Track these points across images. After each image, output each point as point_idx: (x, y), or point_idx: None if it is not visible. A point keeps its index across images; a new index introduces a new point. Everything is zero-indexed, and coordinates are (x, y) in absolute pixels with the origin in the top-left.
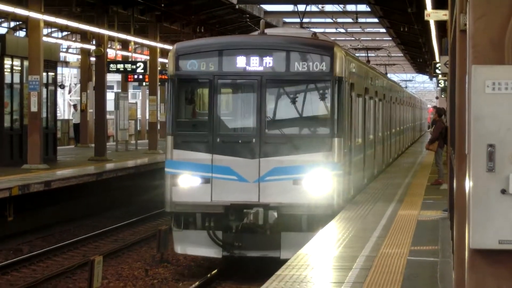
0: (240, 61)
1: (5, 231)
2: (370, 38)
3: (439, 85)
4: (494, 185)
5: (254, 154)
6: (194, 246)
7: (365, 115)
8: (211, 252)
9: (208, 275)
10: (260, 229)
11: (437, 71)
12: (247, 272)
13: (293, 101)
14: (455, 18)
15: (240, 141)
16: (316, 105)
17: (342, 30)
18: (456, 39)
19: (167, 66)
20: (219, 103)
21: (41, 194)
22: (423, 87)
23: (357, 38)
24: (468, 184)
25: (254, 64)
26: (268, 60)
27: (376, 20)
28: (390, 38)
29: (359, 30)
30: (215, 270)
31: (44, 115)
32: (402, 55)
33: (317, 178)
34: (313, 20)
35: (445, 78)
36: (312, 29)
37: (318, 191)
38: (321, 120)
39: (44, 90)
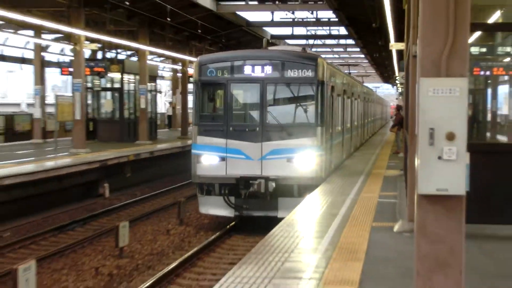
0: (247, 69)
1: (125, 183)
2: (354, 61)
3: (398, 90)
4: (433, 154)
5: (258, 139)
6: (214, 208)
7: (343, 110)
8: (226, 212)
9: (228, 227)
10: (262, 195)
11: (397, 81)
12: (254, 226)
13: (287, 99)
14: (409, 47)
15: (247, 129)
16: (304, 102)
17: (337, 56)
18: (409, 61)
19: (193, 73)
20: (231, 101)
21: (147, 159)
22: (388, 92)
23: (346, 61)
24: (417, 153)
25: (257, 71)
26: (268, 68)
27: (358, 49)
28: (367, 61)
29: (347, 56)
30: (232, 223)
31: (149, 110)
32: (374, 71)
33: (305, 157)
34: (319, 49)
35: (402, 86)
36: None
37: (305, 167)
38: (308, 113)
39: (149, 94)
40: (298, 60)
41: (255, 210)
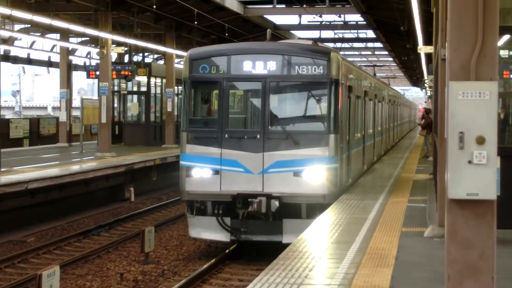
0: (246, 65)
1: (151, 187)
2: (382, 64)
3: (427, 93)
4: (463, 158)
5: (259, 149)
6: (206, 230)
7: (364, 114)
8: (221, 236)
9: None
10: (263, 216)
11: (426, 84)
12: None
13: (294, 101)
14: (438, 51)
15: (246, 137)
16: (314, 104)
17: (364, 59)
18: (438, 64)
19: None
20: (227, 103)
21: (173, 163)
22: (416, 95)
23: (372, 63)
24: (447, 157)
25: (259, 68)
26: (271, 64)
27: (386, 52)
28: (395, 64)
29: (375, 59)
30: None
31: (175, 113)
32: (403, 74)
33: (315, 171)
34: (346, 52)
35: (431, 89)
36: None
37: (316, 182)
38: (318, 118)
39: (176, 98)
40: (307, 55)
41: (255, 234)
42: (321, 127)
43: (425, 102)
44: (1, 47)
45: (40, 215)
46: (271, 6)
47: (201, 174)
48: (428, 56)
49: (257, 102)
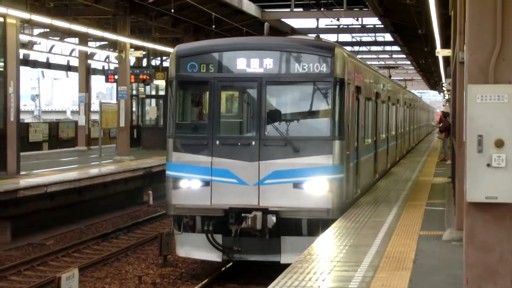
0: (240, 63)
1: None
2: (397, 66)
3: (445, 97)
4: (482, 161)
5: (254, 157)
6: (195, 249)
7: (376, 117)
8: (212, 255)
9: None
10: (259, 233)
11: (444, 88)
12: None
13: (293, 103)
14: (456, 54)
15: (239, 144)
16: (317, 107)
17: (382, 63)
18: (456, 68)
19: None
20: (219, 105)
21: None
22: (434, 98)
23: (388, 66)
24: (465, 160)
25: (254, 65)
26: (268, 62)
27: (404, 56)
28: (413, 67)
29: (393, 62)
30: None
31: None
32: (420, 77)
33: (317, 182)
34: (364, 56)
35: (449, 93)
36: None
37: (318, 195)
38: (321, 122)
39: None
40: (308, 51)
41: (250, 253)
42: (324, 133)
43: (443, 105)
44: (20, 52)
45: (59, 218)
46: (288, 9)
47: (189, 185)
48: (446, 59)
49: (252, 104)
